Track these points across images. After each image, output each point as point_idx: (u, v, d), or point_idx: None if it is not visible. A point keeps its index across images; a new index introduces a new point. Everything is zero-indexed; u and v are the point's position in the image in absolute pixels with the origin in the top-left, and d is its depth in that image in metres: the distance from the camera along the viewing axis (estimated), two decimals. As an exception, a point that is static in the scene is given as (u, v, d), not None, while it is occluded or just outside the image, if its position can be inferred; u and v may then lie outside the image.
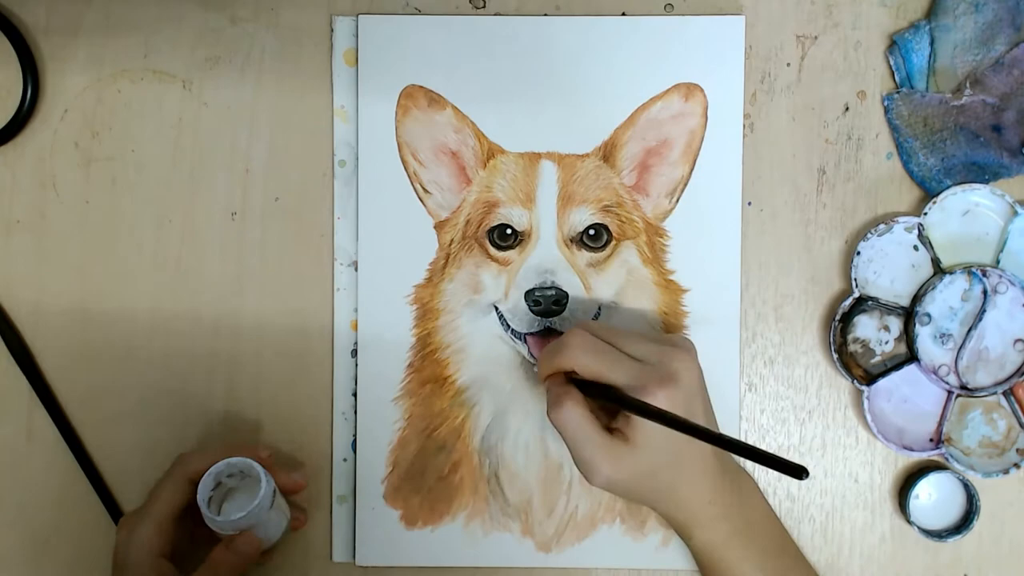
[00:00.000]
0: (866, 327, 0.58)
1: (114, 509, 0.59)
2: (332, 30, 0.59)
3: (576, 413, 0.50)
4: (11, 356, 0.59)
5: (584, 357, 0.50)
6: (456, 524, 0.59)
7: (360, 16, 0.58)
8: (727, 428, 0.58)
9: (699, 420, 0.50)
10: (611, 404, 0.51)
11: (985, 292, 0.57)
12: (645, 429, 0.49)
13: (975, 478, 0.57)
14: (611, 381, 0.50)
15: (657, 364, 0.50)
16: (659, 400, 0.48)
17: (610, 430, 0.51)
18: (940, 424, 0.58)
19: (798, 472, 0.41)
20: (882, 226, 0.57)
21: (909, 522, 0.57)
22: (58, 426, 0.59)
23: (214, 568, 0.52)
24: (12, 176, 0.59)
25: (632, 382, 0.49)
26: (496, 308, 0.58)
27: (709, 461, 0.51)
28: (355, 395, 0.59)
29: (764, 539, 0.53)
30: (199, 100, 0.59)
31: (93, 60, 0.59)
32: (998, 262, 0.57)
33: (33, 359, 0.59)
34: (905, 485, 0.58)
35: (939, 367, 0.57)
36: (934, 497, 0.58)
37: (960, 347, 0.57)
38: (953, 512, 0.58)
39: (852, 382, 0.57)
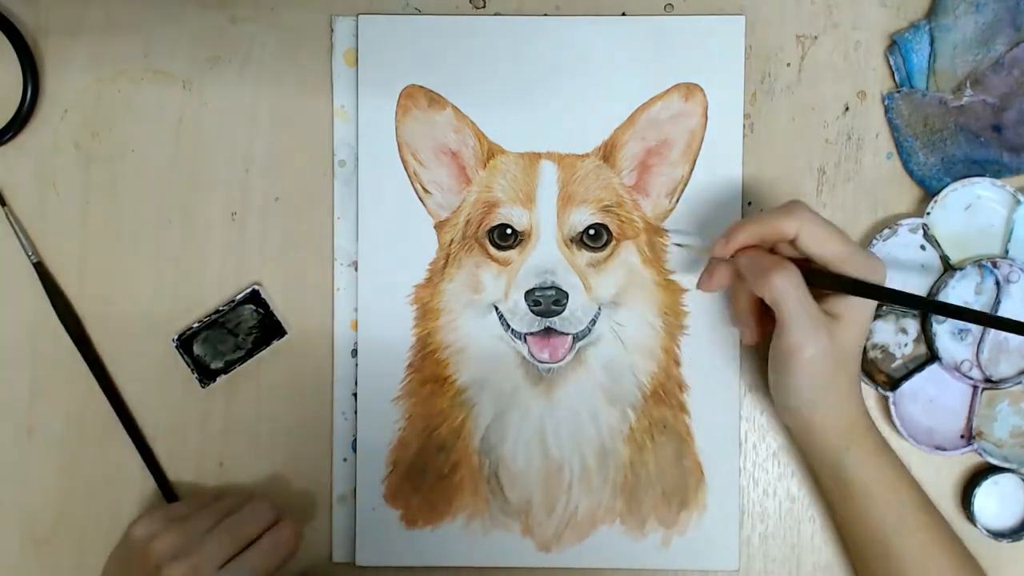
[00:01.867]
0: (883, 332, 0.58)
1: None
2: (332, 30, 0.59)
3: (799, 281, 0.50)
4: (12, 356, 0.59)
5: (814, 224, 0.51)
6: (456, 524, 0.59)
7: (360, 16, 0.58)
8: (727, 428, 0.58)
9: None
10: (824, 286, 0.51)
11: (998, 283, 0.57)
12: (850, 306, 0.51)
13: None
14: (837, 249, 0.51)
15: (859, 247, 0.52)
16: (880, 271, 0.51)
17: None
18: (969, 420, 0.58)
19: None
20: (886, 230, 0.57)
21: (973, 523, 0.57)
22: (61, 424, 0.59)
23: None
24: (12, 176, 0.59)
25: (858, 254, 0.51)
26: (496, 308, 0.58)
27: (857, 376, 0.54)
28: (355, 395, 0.59)
29: (896, 459, 0.54)
30: (199, 100, 0.59)
31: (93, 60, 0.59)
32: (1007, 252, 0.57)
33: (33, 360, 0.59)
34: (968, 486, 0.58)
35: (961, 363, 0.57)
36: (995, 497, 0.58)
37: (980, 341, 0.57)
38: (1016, 512, 0.58)
39: (876, 389, 0.57)
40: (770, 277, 0.50)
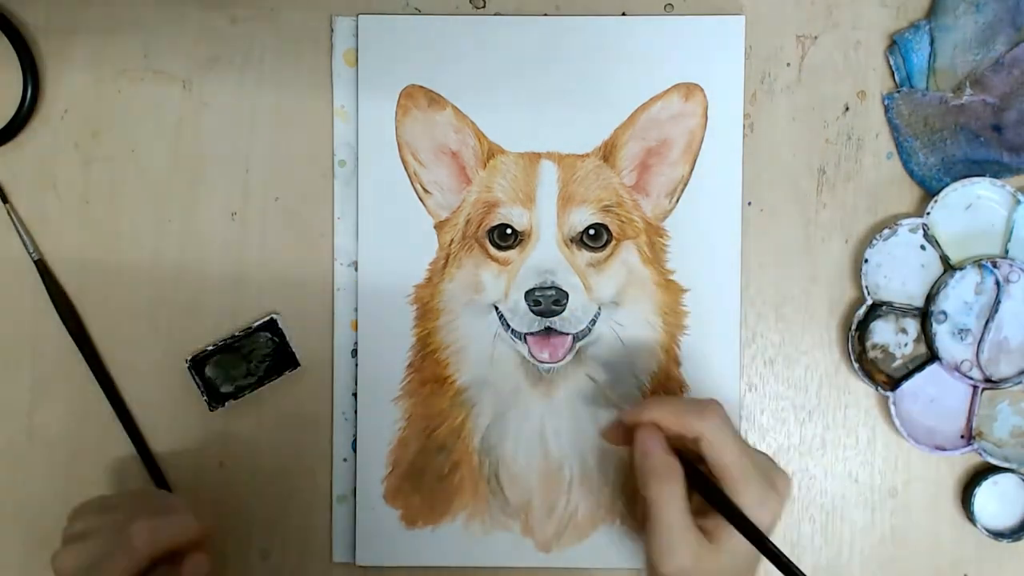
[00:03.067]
0: (883, 332, 0.58)
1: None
2: (332, 30, 0.59)
3: (678, 493, 0.47)
4: (11, 357, 0.59)
5: (724, 435, 0.48)
6: (456, 524, 0.59)
7: (360, 16, 0.58)
8: (727, 428, 0.58)
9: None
10: (707, 498, 0.48)
11: (998, 283, 0.57)
12: (732, 534, 0.47)
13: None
14: (737, 473, 0.47)
15: (765, 468, 0.49)
16: (770, 510, 0.47)
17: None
18: (969, 420, 0.58)
19: None
20: (886, 230, 0.57)
21: (973, 523, 0.57)
22: (61, 425, 0.59)
23: None
24: (12, 176, 0.59)
25: (754, 481, 0.47)
26: (496, 308, 0.58)
27: None
28: (355, 395, 0.59)
29: None
30: (199, 100, 0.59)
31: (93, 60, 0.59)
32: (1007, 252, 0.57)
33: (33, 359, 0.59)
34: (968, 486, 0.58)
35: (961, 363, 0.57)
36: (995, 497, 0.58)
37: (979, 340, 0.57)
38: (1016, 512, 0.58)
39: (876, 389, 0.57)
40: (649, 482, 0.48)
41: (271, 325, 0.58)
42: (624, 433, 0.52)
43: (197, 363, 0.57)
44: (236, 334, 0.57)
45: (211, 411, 0.57)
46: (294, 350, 0.58)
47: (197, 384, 0.57)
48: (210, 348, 0.57)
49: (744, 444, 0.49)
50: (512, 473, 0.58)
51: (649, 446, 0.49)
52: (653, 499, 0.48)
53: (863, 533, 0.59)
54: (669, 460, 0.49)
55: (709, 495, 0.48)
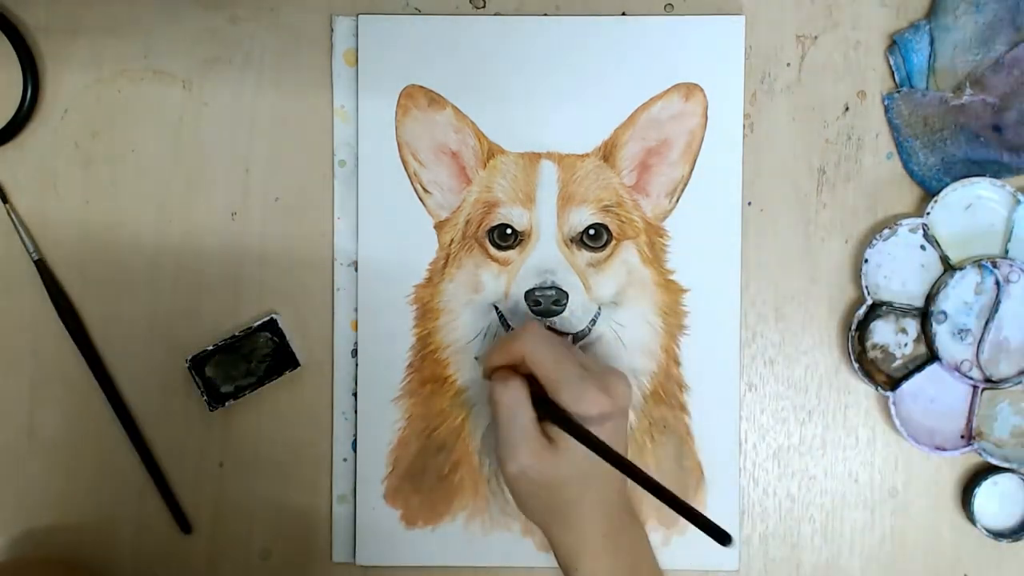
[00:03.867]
0: (883, 332, 0.58)
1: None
2: (332, 30, 0.59)
3: (519, 393, 0.50)
4: (11, 356, 0.59)
5: (536, 346, 0.51)
6: (456, 524, 0.59)
7: (360, 16, 0.58)
8: (727, 428, 0.58)
9: (619, 446, 0.51)
10: (546, 415, 0.51)
11: (998, 283, 0.57)
12: (571, 440, 0.50)
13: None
14: (552, 373, 0.50)
15: (599, 375, 0.51)
16: (590, 403, 0.49)
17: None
18: (969, 420, 0.58)
19: (722, 537, 0.43)
20: (886, 230, 0.57)
21: (973, 523, 0.57)
22: (61, 424, 0.59)
23: None
24: (12, 176, 0.59)
25: (572, 379, 0.50)
26: (496, 308, 0.58)
27: (612, 493, 0.52)
28: (355, 395, 0.59)
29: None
30: (199, 100, 0.59)
31: (93, 60, 0.59)
32: (1007, 252, 0.57)
33: (33, 359, 0.59)
34: (968, 486, 0.58)
35: (961, 363, 0.57)
36: (995, 497, 0.58)
37: (980, 340, 0.57)
38: (1016, 512, 0.58)
39: (876, 389, 0.57)
40: (494, 389, 0.51)
41: (271, 325, 0.58)
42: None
43: (197, 363, 0.57)
44: (236, 334, 0.57)
45: (211, 411, 0.57)
46: (294, 350, 0.58)
47: (197, 384, 0.57)
48: (210, 348, 0.57)
49: (562, 353, 0.51)
50: (512, 473, 0.58)
51: (501, 370, 0.52)
52: (499, 403, 0.50)
53: (863, 533, 0.59)
54: (509, 371, 0.52)
55: (540, 407, 0.51)
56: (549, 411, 0.50)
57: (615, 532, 0.52)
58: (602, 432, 0.49)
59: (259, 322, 0.58)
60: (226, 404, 0.57)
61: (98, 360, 0.59)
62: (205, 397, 0.57)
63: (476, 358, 0.58)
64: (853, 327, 0.57)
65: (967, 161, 0.58)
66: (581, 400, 0.49)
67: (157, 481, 0.59)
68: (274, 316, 0.58)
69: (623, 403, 0.51)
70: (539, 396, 0.51)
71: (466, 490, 0.59)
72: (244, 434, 0.59)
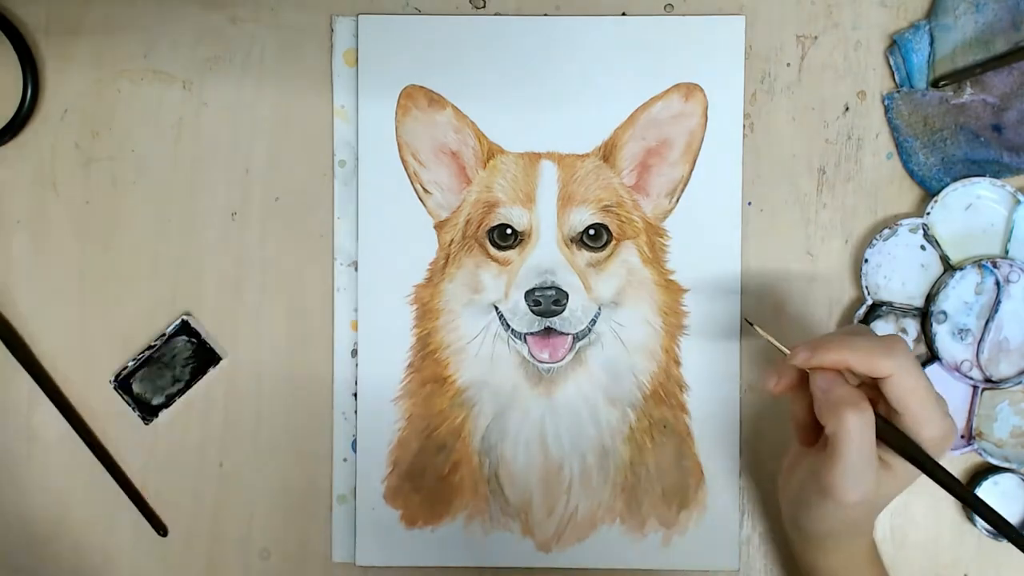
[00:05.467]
0: (883, 332, 0.58)
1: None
2: (332, 30, 0.59)
3: (870, 421, 0.47)
4: (12, 356, 0.59)
5: (912, 373, 0.47)
6: (456, 524, 0.59)
7: (360, 16, 0.58)
8: (727, 428, 0.58)
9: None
10: (888, 442, 0.48)
11: (998, 283, 0.57)
12: (907, 465, 0.48)
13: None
14: (924, 414, 0.47)
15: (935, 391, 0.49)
16: (937, 427, 0.47)
17: None
18: (969, 420, 0.58)
19: None
20: (886, 230, 0.57)
21: (973, 523, 0.58)
22: (61, 425, 0.59)
23: None
24: (12, 176, 0.59)
25: (942, 416, 0.47)
26: (496, 308, 0.58)
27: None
28: (355, 395, 0.59)
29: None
30: (199, 100, 0.59)
31: (93, 60, 0.59)
32: (1007, 252, 0.57)
33: (34, 359, 0.59)
34: (968, 486, 0.58)
35: (961, 363, 0.57)
36: (995, 497, 0.58)
37: (979, 341, 0.57)
38: (1016, 512, 0.58)
39: None
40: (843, 414, 0.46)
41: (185, 327, 0.58)
42: (786, 382, 0.50)
43: (122, 381, 0.58)
44: (153, 344, 0.57)
45: (146, 424, 0.58)
46: (212, 346, 0.58)
47: (127, 401, 0.57)
48: (131, 364, 0.57)
49: (928, 382, 0.48)
50: (512, 473, 0.58)
51: (832, 378, 0.48)
52: (844, 429, 0.46)
53: (863, 533, 0.59)
54: (857, 391, 0.48)
55: (891, 437, 0.48)
56: (894, 439, 0.47)
57: (874, 554, 0.53)
58: (934, 453, 0.48)
59: (172, 327, 0.57)
60: (159, 415, 0.58)
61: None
62: (137, 412, 0.58)
63: (787, 353, 0.51)
64: (853, 327, 0.57)
65: (967, 161, 0.58)
66: (945, 440, 0.47)
67: (125, 487, 0.59)
68: (185, 318, 0.58)
69: (952, 425, 0.49)
70: (880, 419, 0.48)
71: (466, 490, 0.59)
72: (244, 434, 0.59)
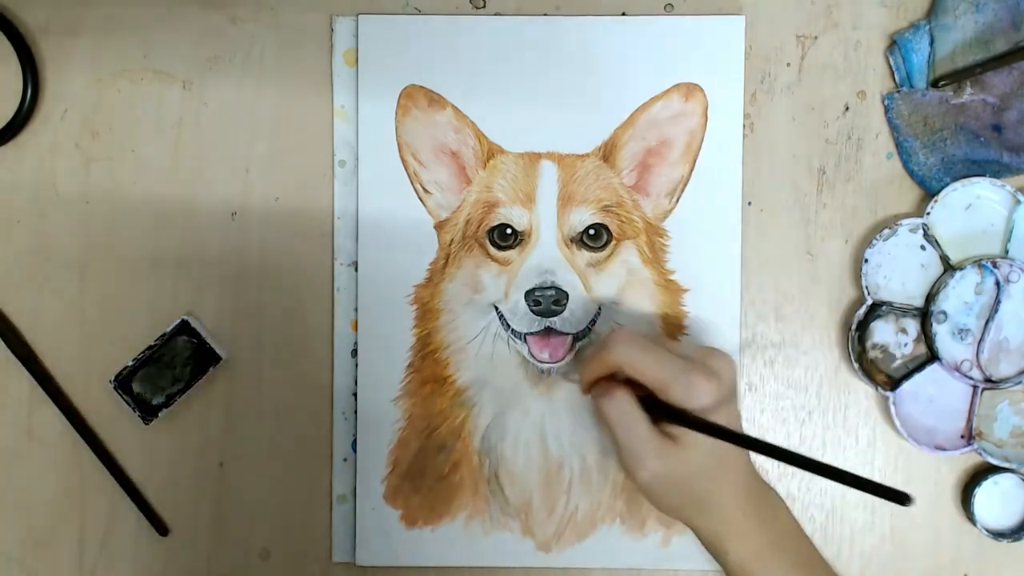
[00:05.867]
0: (883, 332, 0.58)
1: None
2: (332, 30, 0.59)
3: (627, 403, 0.50)
4: (12, 356, 0.59)
5: (630, 352, 0.50)
6: (456, 524, 0.59)
7: (360, 16, 0.58)
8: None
9: (736, 423, 0.51)
10: (660, 416, 0.50)
11: (998, 283, 0.57)
12: (693, 433, 0.49)
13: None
14: (656, 375, 0.49)
15: (700, 360, 0.50)
16: (703, 392, 0.49)
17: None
18: (969, 420, 0.58)
19: (901, 499, 0.43)
20: (886, 230, 0.57)
21: (973, 523, 0.57)
22: (61, 424, 0.59)
23: None
24: (12, 176, 0.59)
25: (678, 374, 0.49)
26: (496, 308, 0.58)
27: (744, 472, 0.52)
28: (355, 395, 0.59)
29: (795, 554, 0.52)
30: (199, 100, 0.59)
31: (93, 60, 0.59)
32: (1007, 252, 0.57)
33: (35, 358, 0.59)
34: (968, 486, 0.58)
35: (961, 363, 0.57)
36: (995, 497, 0.58)
37: (980, 340, 0.57)
38: (1016, 512, 0.58)
39: (876, 389, 0.57)
40: (596, 405, 0.51)
41: (185, 327, 0.57)
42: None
43: (122, 381, 0.57)
44: (153, 344, 0.57)
45: (146, 424, 0.57)
46: (212, 346, 0.57)
47: (127, 402, 0.57)
48: (131, 363, 0.57)
49: (659, 350, 0.50)
50: (512, 473, 0.58)
51: (590, 382, 0.53)
52: (607, 419, 0.50)
53: (863, 533, 0.59)
54: (611, 382, 0.51)
55: (654, 408, 0.50)
56: (663, 411, 0.50)
57: (756, 508, 0.52)
58: (719, 416, 0.49)
59: (172, 327, 0.57)
60: (159, 415, 0.57)
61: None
62: (137, 412, 0.57)
63: (567, 377, 0.58)
64: (853, 327, 0.57)
65: (967, 161, 0.58)
66: (692, 392, 0.49)
67: (125, 487, 0.59)
68: (185, 318, 0.57)
69: (732, 382, 0.51)
70: (648, 398, 0.50)
71: (466, 490, 0.59)
72: (244, 434, 0.59)
